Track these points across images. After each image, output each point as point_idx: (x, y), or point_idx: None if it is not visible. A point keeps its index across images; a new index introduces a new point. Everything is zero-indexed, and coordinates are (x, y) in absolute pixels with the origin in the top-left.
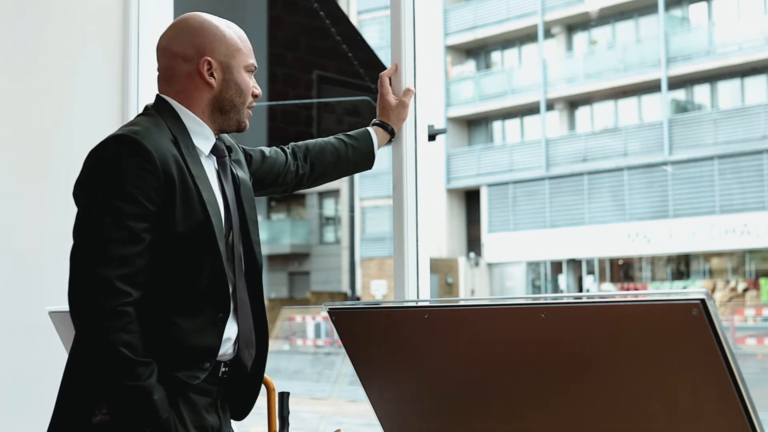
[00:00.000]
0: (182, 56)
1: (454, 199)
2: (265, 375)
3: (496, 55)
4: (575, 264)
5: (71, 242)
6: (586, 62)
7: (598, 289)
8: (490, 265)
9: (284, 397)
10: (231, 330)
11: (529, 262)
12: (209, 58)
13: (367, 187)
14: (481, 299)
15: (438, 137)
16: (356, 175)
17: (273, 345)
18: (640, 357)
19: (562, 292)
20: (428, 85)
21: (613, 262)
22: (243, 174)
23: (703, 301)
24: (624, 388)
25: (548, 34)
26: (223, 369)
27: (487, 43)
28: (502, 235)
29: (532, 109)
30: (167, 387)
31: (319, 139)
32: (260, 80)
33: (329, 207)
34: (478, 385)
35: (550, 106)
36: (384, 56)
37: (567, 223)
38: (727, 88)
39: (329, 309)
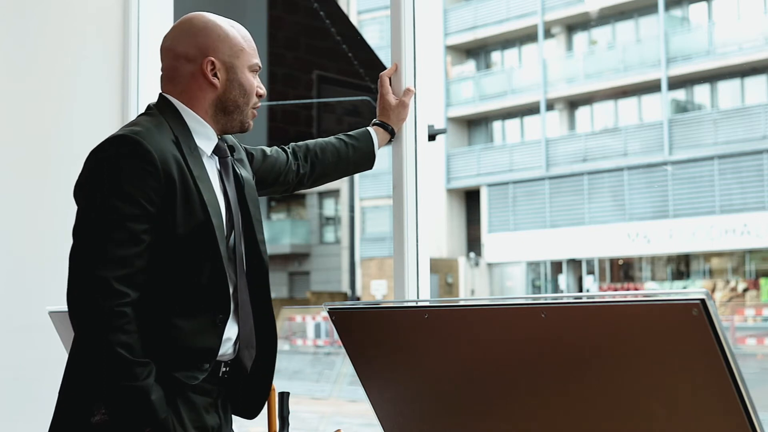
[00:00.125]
0: (186, 57)
1: (454, 199)
2: None
3: (496, 55)
4: (575, 264)
5: (71, 242)
6: (586, 62)
7: (598, 289)
8: (490, 265)
9: (284, 397)
10: (231, 331)
11: (529, 262)
12: (213, 59)
13: (367, 187)
14: (481, 299)
15: (438, 137)
16: (356, 175)
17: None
18: (640, 357)
19: (562, 292)
20: (428, 85)
21: (613, 262)
22: (246, 174)
23: (703, 301)
24: (624, 388)
25: (548, 34)
26: (224, 369)
27: (487, 43)
28: (502, 235)
29: (532, 109)
30: (166, 387)
31: (320, 139)
32: (260, 80)
33: (329, 207)
34: (478, 385)
35: (550, 106)
36: (384, 56)
37: (567, 223)
38: (727, 88)
39: (329, 309)
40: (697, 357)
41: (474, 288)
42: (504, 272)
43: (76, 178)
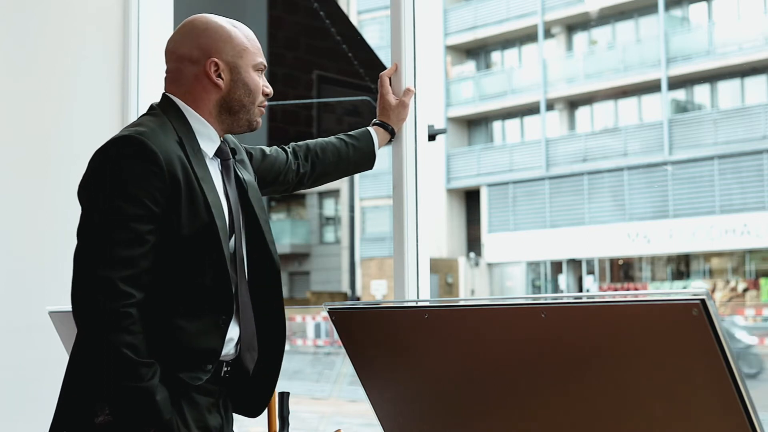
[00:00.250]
0: (189, 58)
1: (454, 199)
2: None
3: (496, 55)
4: (575, 264)
5: (71, 242)
6: (586, 62)
7: (598, 289)
8: (490, 265)
9: (284, 397)
10: (233, 331)
11: (529, 262)
12: (216, 59)
13: (367, 187)
14: (481, 299)
15: (438, 137)
16: (356, 175)
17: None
18: (640, 357)
19: (562, 292)
20: (428, 85)
21: (613, 262)
22: (249, 176)
23: (703, 301)
24: (624, 388)
25: (548, 34)
26: (225, 369)
27: (487, 43)
28: (502, 235)
29: (532, 109)
30: (170, 388)
31: (320, 139)
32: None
33: (329, 207)
34: (478, 385)
35: (550, 106)
36: (384, 56)
37: (567, 223)
38: (727, 88)
39: (329, 309)
40: (697, 357)
41: (474, 288)
42: (504, 272)
43: (79, 178)
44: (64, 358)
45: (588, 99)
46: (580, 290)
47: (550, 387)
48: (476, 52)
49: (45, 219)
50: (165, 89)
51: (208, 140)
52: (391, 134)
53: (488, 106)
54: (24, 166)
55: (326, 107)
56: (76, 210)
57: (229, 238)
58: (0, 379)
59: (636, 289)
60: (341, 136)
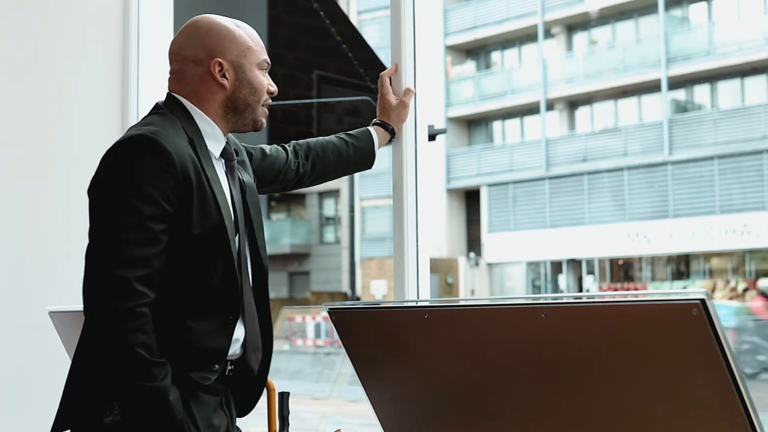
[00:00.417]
0: (193, 59)
1: (454, 199)
2: None
3: (496, 55)
4: (575, 264)
5: (71, 242)
6: (586, 62)
7: (598, 289)
8: (490, 265)
9: (284, 397)
10: (239, 331)
11: (529, 262)
12: (220, 59)
13: (367, 187)
14: (481, 299)
15: (438, 137)
16: (356, 175)
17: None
18: (640, 357)
19: (562, 292)
20: (428, 85)
21: (613, 262)
22: (248, 178)
23: (703, 301)
24: (624, 388)
25: (548, 34)
26: (230, 368)
27: (487, 43)
28: (502, 235)
29: (532, 109)
30: (180, 387)
31: (321, 138)
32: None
33: (329, 207)
34: (478, 385)
35: (550, 106)
36: (384, 56)
37: (567, 223)
38: (727, 88)
39: (329, 309)
40: (697, 357)
41: (474, 288)
42: (504, 272)
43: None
44: (64, 358)
45: (588, 99)
46: (580, 290)
47: (550, 387)
48: (476, 52)
49: (45, 219)
50: (169, 88)
51: (214, 140)
52: (392, 134)
53: (488, 106)
54: (24, 166)
55: (326, 107)
56: (76, 210)
57: (234, 238)
58: (0, 379)
59: (636, 289)
60: (341, 135)
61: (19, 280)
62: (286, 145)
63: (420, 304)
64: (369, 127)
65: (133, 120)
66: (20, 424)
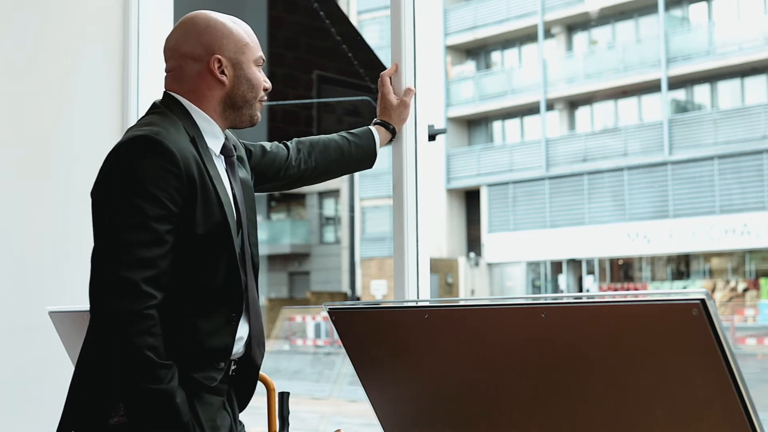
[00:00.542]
0: (192, 56)
1: (454, 199)
2: (266, 375)
3: (496, 55)
4: (575, 264)
5: (71, 242)
6: (586, 62)
7: (598, 289)
8: (490, 265)
9: (284, 397)
10: (243, 329)
11: (529, 262)
12: (219, 56)
13: (367, 187)
14: (481, 299)
15: (438, 137)
16: (356, 175)
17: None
18: (640, 357)
19: (562, 292)
20: (428, 85)
21: (613, 262)
22: (245, 174)
23: (703, 301)
24: (624, 388)
25: (548, 34)
26: (233, 367)
27: (487, 43)
28: (502, 235)
29: (532, 109)
30: (185, 388)
31: (323, 136)
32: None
33: (329, 207)
34: (478, 385)
35: (550, 106)
36: (384, 56)
37: (567, 223)
38: (727, 88)
39: (329, 309)
40: (697, 357)
41: (474, 288)
42: (504, 272)
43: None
44: (64, 358)
45: (588, 99)
46: (580, 290)
47: (550, 387)
48: (476, 52)
49: (45, 219)
50: (166, 87)
51: (214, 138)
52: (393, 134)
53: (488, 106)
54: (24, 166)
55: (326, 107)
56: (76, 210)
57: (237, 236)
58: (0, 379)
59: (636, 289)
60: (343, 133)
61: (19, 280)
62: (288, 143)
63: (420, 304)
64: (370, 127)
65: (133, 120)
66: (20, 424)
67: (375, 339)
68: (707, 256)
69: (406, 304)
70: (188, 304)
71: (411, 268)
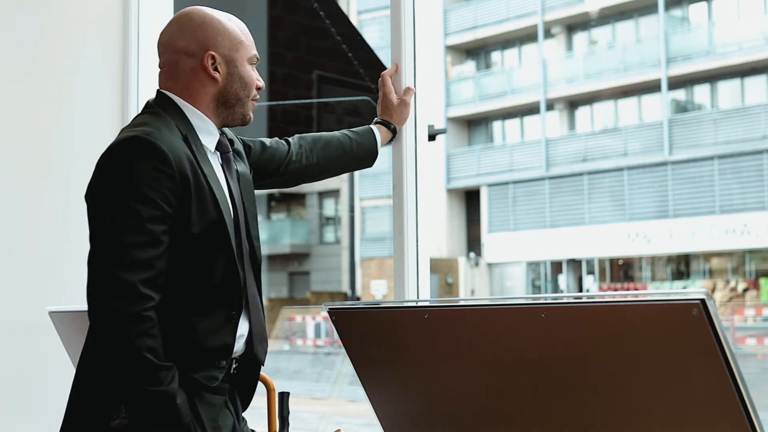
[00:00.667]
0: (186, 52)
1: (454, 199)
2: (266, 375)
3: (496, 55)
4: (575, 264)
5: (71, 242)
6: (586, 62)
7: (598, 289)
8: (490, 265)
9: (284, 397)
10: (243, 327)
11: (529, 262)
12: (213, 53)
13: (367, 187)
14: (481, 299)
15: (438, 137)
16: (356, 175)
17: (273, 345)
18: (640, 357)
19: (562, 292)
20: (428, 85)
21: (613, 262)
22: (243, 168)
23: (703, 301)
24: (624, 388)
25: (548, 34)
26: (234, 365)
27: (487, 43)
28: (502, 235)
29: (532, 109)
30: (186, 389)
31: (324, 133)
32: (260, 75)
33: (329, 207)
34: (477, 385)
35: (550, 106)
36: (384, 56)
37: (567, 223)
38: (727, 88)
39: (329, 309)
40: (697, 357)
41: (474, 288)
42: (504, 272)
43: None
44: (64, 358)
45: (588, 99)
46: (580, 290)
47: (550, 387)
48: (476, 52)
49: (45, 219)
50: (160, 85)
51: (208, 135)
52: (393, 133)
53: (488, 106)
54: (24, 166)
55: (326, 107)
56: (76, 210)
57: (235, 232)
58: (0, 379)
59: (636, 289)
60: (345, 131)
61: (19, 280)
62: (289, 138)
63: (420, 304)
64: (371, 125)
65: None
66: (20, 424)
67: (375, 339)
68: (707, 256)
69: (406, 304)
70: (187, 304)
71: (411, 268)
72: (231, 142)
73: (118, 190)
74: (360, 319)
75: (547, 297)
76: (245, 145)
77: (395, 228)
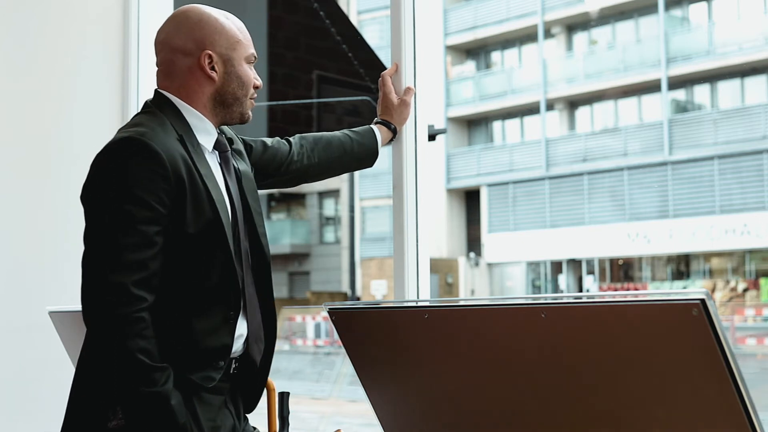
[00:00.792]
0: (182, 50)
1: (454, 199)
2: None
3: (496, 55)
4: (575, 264)
5: (71, 242)
6: (586, 62)
7: (598, 289)
8: (490, 265)
9: (284, 397)
10: (242, 327)
11: (529, 262)
12: (210, 52)
13: (367, 187)
14: (481, 299)
15: (438, 137)
16: (356, 175)
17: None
18: (640, 357)
19: (562, 292)
20: (428, 85)
21: (613, 262)
22: (244, 166)
23: (703, 301)
24: (624, 388)
25: (548, 34)
26: (234, 365)
27: (487, 43)
28: (502, 235)
29: (532, 109)
30: (182, 389)
31: (325, 133)
32: (258, 74)
33: (329, 207)
34: (477, 385)
35: (550, 106)
36: (384, 56)
37: (567, 223)
38: (727, 88)
39: (329, 309)
40: (697, 357)
41: (474, 288)
42: (504, 272)
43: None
44: (64, 358)
45: (588, 99)
46: (580, 290)
47: (550, 387)
48: (476, 52)
49: (45, 219)
50: (157, 84)
51: (206, 134)
52: (394, 133)
53: (488, 106)
54: (24, 166)
55: (326, 107)
56: (76, 210)
57: (233, 232)
58: (0, 379)
59: (636, 289)
60: (345, 131)
61: (19, 280)
62: (291, 138)
63: (420, 304)
64: (372, 125)
65: None
66: (20, 424)
67: (375, 339)
68: (707, 256)
69: (406, 304)
70: (184, 304)
71: (411, 268)
72: (230, 141)
73: (112, 191)
74: (360, 319)
75: (547, 297)
76: (246, 144)
77: (395, 228)
